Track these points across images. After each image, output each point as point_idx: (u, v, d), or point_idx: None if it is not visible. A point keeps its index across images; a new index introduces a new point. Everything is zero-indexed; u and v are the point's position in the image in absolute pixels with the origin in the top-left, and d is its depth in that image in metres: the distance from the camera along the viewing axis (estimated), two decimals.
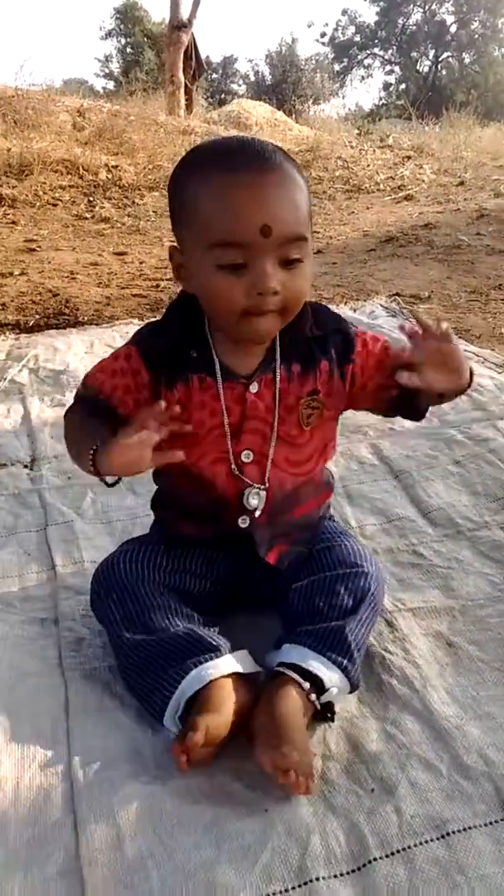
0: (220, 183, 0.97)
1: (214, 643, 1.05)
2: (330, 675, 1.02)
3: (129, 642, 1.07)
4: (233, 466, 1.13)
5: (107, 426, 1.03)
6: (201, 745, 0.94)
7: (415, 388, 1.05)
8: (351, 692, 1.07)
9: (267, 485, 1.14)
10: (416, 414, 1.19)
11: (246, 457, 1.13)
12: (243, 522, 1.15)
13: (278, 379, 1.11)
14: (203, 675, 1.01)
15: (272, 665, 1.06)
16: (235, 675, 1.03)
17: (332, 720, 1.04)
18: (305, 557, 1.19)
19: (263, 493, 1.14)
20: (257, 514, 1.15)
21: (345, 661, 1.04)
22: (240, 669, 1.04)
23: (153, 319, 1.18)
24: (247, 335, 1.05)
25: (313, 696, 1.01)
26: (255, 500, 1.14)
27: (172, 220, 1.07)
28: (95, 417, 1.08)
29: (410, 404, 1.15)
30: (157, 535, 1.25)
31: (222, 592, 1.21)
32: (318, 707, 1.02)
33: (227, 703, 0.99)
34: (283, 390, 1.12)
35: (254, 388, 1.11)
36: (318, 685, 1.02)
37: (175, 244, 1.07)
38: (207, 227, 0.97)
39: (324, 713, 1.04)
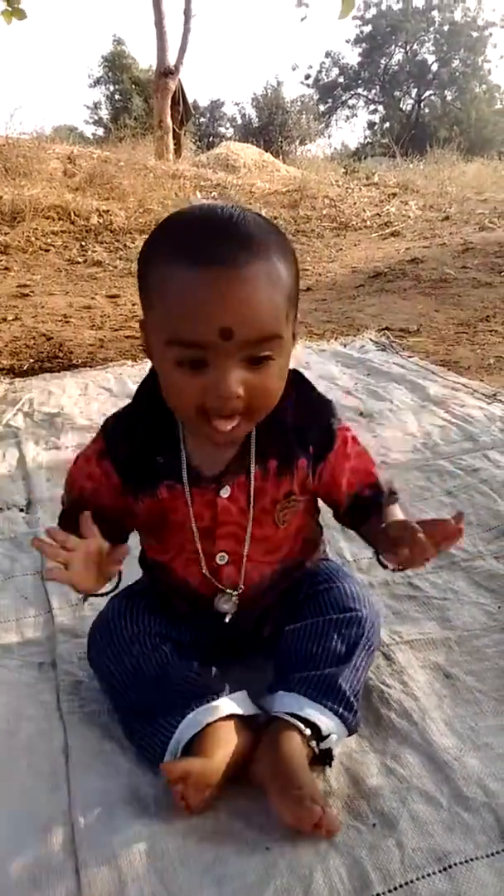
0: (179, 279, 0.87)
1: (211, 688, 1.05)
2: (328, 723, 1.01)
3: (127, 697, 1.07)
4: (203, 570, 1.11)
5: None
6: (189, 779, 0.93)
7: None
8: (349, 736, 1.06)
9: (241, 588, 1.12)
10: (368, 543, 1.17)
11: (221, 559, 1.11)
12: (228, 619, 1.14)
13: (252, 480, 1.06)
14: (199, 719, 1.00)
15: (269, 711, 1.05)
16: (234, 718, 1.02)
17: (330, 765, 1.03)
18: (300, 603, 1.17)
19: (236, 598, 1.12)
20: (228, 618, 1.13)
21: (341, 709, 1.03)
22: (237, 711, 1.03)
23: (121, 409, 1.14)
24: (207, 436, 0.97)
25: (313, 743, 1.00)
26: (226, 605, 1.12)
27: (140, 295, 0.98)
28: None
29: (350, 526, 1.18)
30: (148, 588, 1.22)
31: (217, 644, 1.19)
32: (317, 752, 1.01)
33: (223, 746, 0.98)
34: (258, 489, 1.07)
35: (225, 492, 1.06)
36: (317, 732, 1.01)
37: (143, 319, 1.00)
38: (167, 322, 0.90)
39: (322, 758, 1.02)
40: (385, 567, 1.09)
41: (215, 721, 1.00)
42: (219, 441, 0.97)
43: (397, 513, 1.11)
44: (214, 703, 1.03)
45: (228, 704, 1.04)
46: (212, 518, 1.08)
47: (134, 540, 1.37)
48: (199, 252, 0.87)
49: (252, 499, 1.07)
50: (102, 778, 1.03)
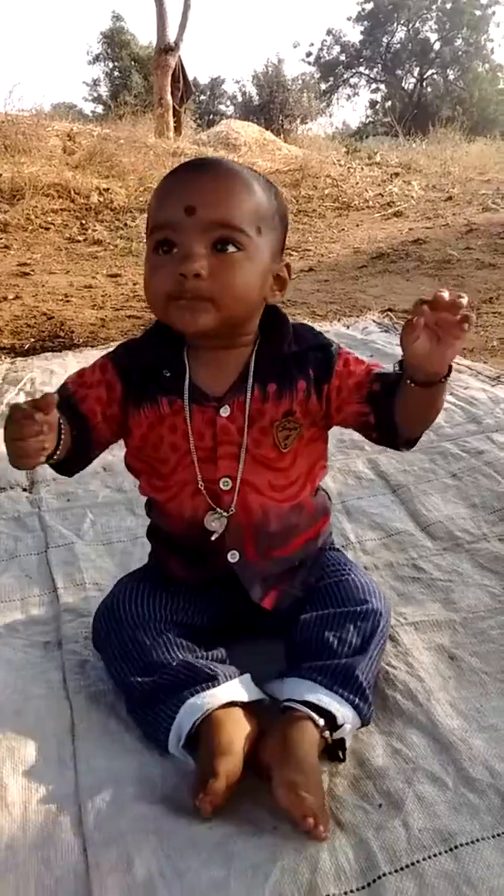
0: (163, 182, 1.06)
1: (211, 672, 1.04)
2: (343, 712, 1.00)
3: (131, 683, 1.07)
4: (200, 487, 1.12)
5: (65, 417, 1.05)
6: (223, 790, 0.92)
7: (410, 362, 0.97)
8: (362, 727, 1.06)
9: (233, 510, 1.12)
10: (393, 439, 1.13)
11: (224, 484, 1.11)
12: (233, 558, 1.14)
13: (249, 399, 1.09)
14: (199, 703, 1.00)
15: (278, 698, 1.05)
16: (239, 706, 1.02)
17: (343, 759, 1.02)
18: (311, 593, 1.17)
19: (225, 519, 1.12)
20: (214, 536, 1.12)
21: (356, 699, 1.02)
22: (239, 698, 1.03)
23: (131, 337, 1.21)
24: (176, 324, 1.04)
25: (327, 733, 0.99)
26: (214, 523, 1.12)
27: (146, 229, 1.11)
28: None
29: (386, 428, 1.10)
30: (152, 571, 1.24)
31: (223, 625, 1.20)
32: (330, 742, 1.00)
33: (236, 740, 0.97)
34: (256, 411, 1.10)
35: (224, 411, 1.09)
36: (331, 721, 1.00)
37: None
38: (148, 219, 1.06)
39: (334, 749, 1.01)
40: (409, 381, 1.01)
41: (218, 708, 1.00)
42: (188, 328, 1.04)
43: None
44: (216, 689, 1.02)
45: (231, 690, 1.03)
46: (212, 437, 1.10)
47: (141, 519, 1.36)
48: (179, 167, 1.07)
49: (248, 417, 1.09)
50: (109, 757, 1.03)
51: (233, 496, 1.12)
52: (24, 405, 0.95)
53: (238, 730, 0.99)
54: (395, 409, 1.07)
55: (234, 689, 1.04)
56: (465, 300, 0.93)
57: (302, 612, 1.14)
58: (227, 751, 0.95)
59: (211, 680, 1.03)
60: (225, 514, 1.12)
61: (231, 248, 1.00)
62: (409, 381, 1.01)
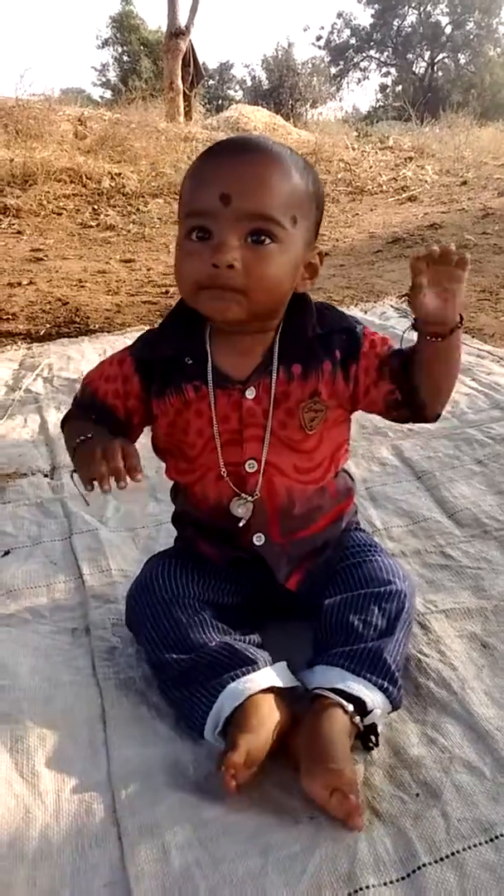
0: (198, 163, 1.02)
1: (251, 656, 1.03)
2: (372, 697, 0.99)
3: (166, 661, 1.06)
4: (223, 473, 1.11)
5: (104, 427, 1.09)
6: (242, 765, 0.92)
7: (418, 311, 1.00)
8: (392, 711, 1.05)
9: (258, 494, 1.11)
10: (422, 412, 1.12)
11: (250, 466, 1.11)
12: (258, 541, 1.13)
13: (274, 381, 1.08)
14: (240, 689, 0.99)
15: (307, 687, 1.04)
16: (274, 691, 1.01)
17: (377, 745, 1.01)
18: (333, 574, 1.16)
19: (251, 504, 1.11)
20: (241, 523, 1.12)
21: (385, 683, 1.01)
22: (277, 683, 1.02)
23: (151, 328, 1.18)
24: (204, 311, 1.04)
25: (357, 719, 0.98)
26: (240, 509, 1.11)
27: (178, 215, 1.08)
28: (94, 421, 1.12)
29: (413, 403, 1.10)
30: (182, 550, 1.24)
31: (254, 605, 1.19)
32: (362, 729, 0.99)
33: (266, 722, 0.96)
34: (282, 393, 1.09)
35: (250, 393, 1.09)
36: (361, 707, 0.99)
37: None
38: (182, 203, 1.03)
39: (367, 736, 1.00)
40: (427, 336, 1.04)
41: (256, 693, 0.99)
42: (217, 318, 1.05)
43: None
44: (255, 674, 1.01)
45: (269, 675, 1.02)
46: (238, 420, 1.10)
47: (164, 505, 1.34)
48: (220, 144, 1.03)
49: (273, 399, 1.08)
50: (141, 745, 1.03)
51: (258, 479, 1.11)
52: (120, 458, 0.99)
53: (271, 714, 0.98)
54: (416, 380, 1.08)
55: (273, 675, 1.03)
56: (453, 246, 0.97)
57: (326, 596, 1.13)
58: (253, 730, 0.95)
59: (251, 664, 1.02)
60: (250, 498, 1.11)
61: (266, 240, 0.98)
62: (427, 338, 1.03)
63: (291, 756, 0.96)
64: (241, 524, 1.12)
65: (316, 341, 1.10)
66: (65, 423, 1.19)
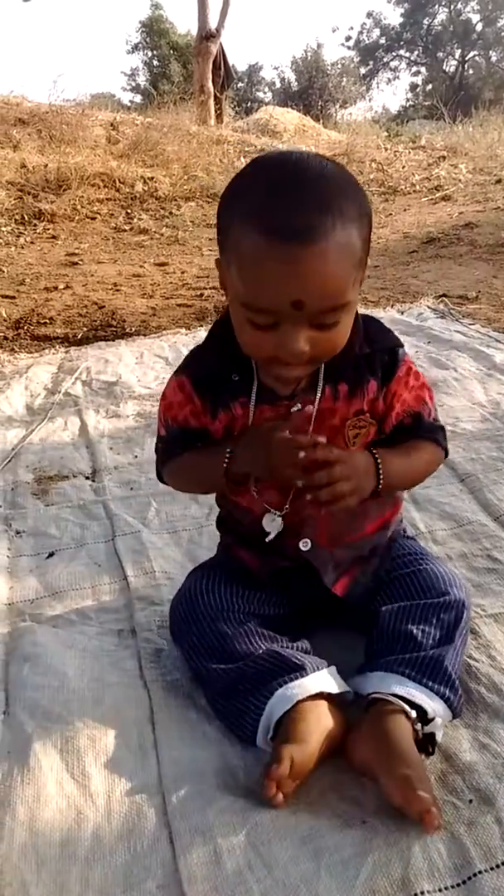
0: (255, 247, 0.88)
1: (298, 662, 1.03)
2: (433, 705, 0.99)
3: (213, 672, 1.06)
4: (253, 490, 1.11)
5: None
6: (287, 777, 0.91)
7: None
8: (453, 719, 1.04)
9: (288, 508, 1.10)
10: None
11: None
12: (304, 546, 1.13)
13: (318, 399, 1.07)
14: (289, 694, 0.99)
15: (363, 692, 1.03)
16: (324, 698, 1.00)
17: (433, 753, 1.00)
18: (388, 582, 1.15)
19: (280, 520, 1.11)
20: (270, 538, 1.11)
21: (446, 691, 1.00)
22: (327, 689, 1.01)
23: (198, 345, 1.17)
24: (275, 376, 1.05)
25: (419, 726, 0.97)
26: (272, 524, 1.11)
27: (218, 236, 0.99)
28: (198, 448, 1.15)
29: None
30: (224, 563, 1.23)
31: (301, 615, 1.19)
32: (421, 736, 0.98)
33: (314, 730, 0.96)
34: (327, 410, 1.08)
35: (295, 408, 1.08)
36: (421, 714, 0.98)
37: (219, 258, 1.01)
38: (241, 287, 0.92)
39: (424, 743, 0.99)
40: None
41: (305, 699, 0.98)
42: (288, 382, 1.05)
43: (420, 451, 1.13)
44: (304, 679, 1.01)
45: (318, 680, 1.02)
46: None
47: (205, 508, 1.34)
48: (274, 221, 0.87)
49: (314, 415, 1.07)
50: (190, 747, 1.03)
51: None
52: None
53: (320, 722, 0.97)
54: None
55: (323, 679, 1.02)
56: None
57: (379, 604, 1.13)
58: (298, 739, 0.94)
59: (298, 670, 1.02)
60: (279, 515, 1.11)
61: (335, 324, 0.94)
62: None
63: (353, 761, 0.96)
64: (267, 539, 1.11)
65: (362, 360, 1.08)
66: (166, 467, 1.21)
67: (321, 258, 0.87)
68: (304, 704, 0.98)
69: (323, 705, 0.99)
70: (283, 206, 0.87)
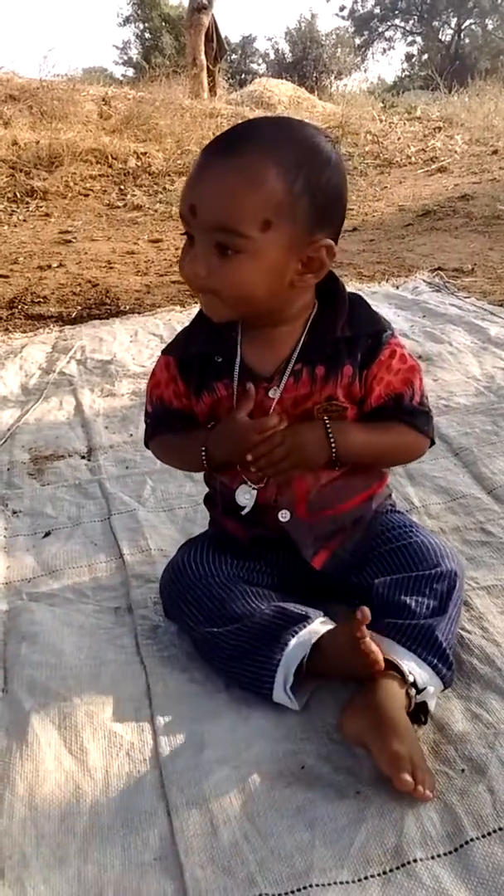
0: (194, 164, 1.00)
1: (302, 612, 1.06)
2: (421, 674, 1.00)
3: (216, 634, 1.07)
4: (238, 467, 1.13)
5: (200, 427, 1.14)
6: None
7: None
8: (443, 690, 1.05)
9: (262, 484, 1.12)
10: None
11: None
12: (283, 517, 1.14)
13: (284, 381, 1.08)
14: (303, 641, 1.01)
15: None
16: None
17: (426, 722, 1.01)
18: (378, 557, 1.16)
19: (254, 493, 1.12)
20: (245, 511, 1.13)
21: (436, 661, 1.02)
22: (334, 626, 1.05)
23: (185, 326, 1.20)
24: (204, 311, 1.08)
25: (412, 692, 0.99)
26: (246, 496, 1.12)
27: None
28: (180, 429, 1.17)
29: None
30: (213, 536, 1.25)
31: (289, 586, 1.19)
32: (412, 707, 0.99)
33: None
34: (303, 393, 1.09)
35: (273, 393, 1.09)
36: (414, 683, 0.99)
37: None
38: None
39: (416, 713, 1.00)
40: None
41: (322, 636, 1.02)
42: (210, 317, 1.06)
43: (390, 431, 1.13)
44: (312, 625, 1.04)
45: (326, 623, 1.05)
46: (263, 416, 1.09)
47: (200, 486, 1.36)
48: (205, 149, 0.99)
49: (281, 395, 1.08)
50: (187, 721, 1.04)
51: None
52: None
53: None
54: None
55: (329, 622, 1.06)
56: None
57: (371, 577, 1.14)
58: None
59: (304, 619, 1.04)
60: (254, 488, 1.12)
61: (229, 251, 0.96)
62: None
63: (346, 733, 0.97)
64: (243, 513, 1.13)
65: (342, 342, 1.09)
66: (152, 442, 1.25)
67: (220, 170, 0.95)
68: (322, 639, 1.02)
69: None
70: (228, 132, 1.00)
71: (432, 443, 1.18)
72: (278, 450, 1.03)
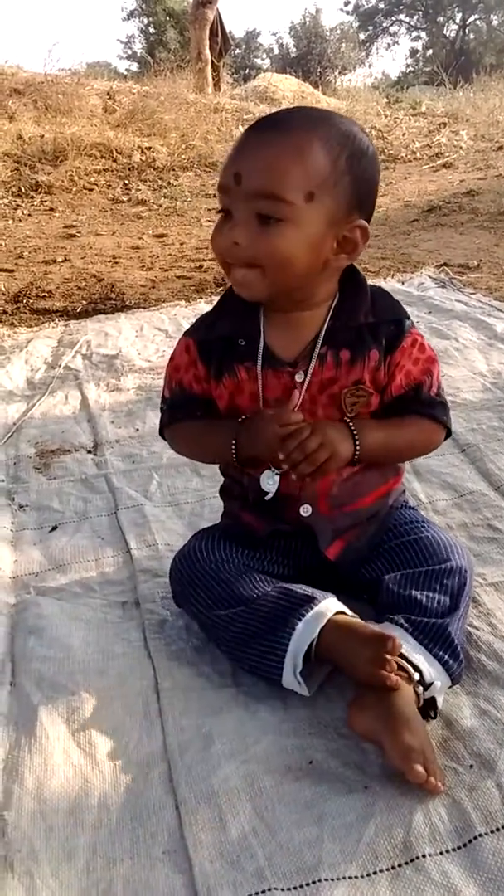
0: (237, 139, 1.03)
1: (308, 593, 1.06)
2: (429, 669, 1.00)
3: (224, 618, 1.08)
4: None
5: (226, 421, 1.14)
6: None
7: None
8: (452, 686, 1.05)
9: (285, 467, 1.10)
10: None
11: None
12: (305, 512, 1.14)
13: (313, 365, 1.09)
14: (311, 625, 1.01)
15: None
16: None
17: (435, 717, 1.01)
18: (388, 551, 1.16)
19: (277, 477, 1.11)
20: (269, 496, 1.12)
21: (446, 657, 1.02)
22: (342, 608, 1.05)
23: (208, 311, 1.20)
24: (234, 287, 1.08)
25: (420, 689, 0.99)
26: (269, 481, 1.12)
27: None
28: (200, 417, 1.18)
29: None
30: (226, 527, 1.25)
31: (300, 578, 1.19)
32: (422, 702, 0.99)
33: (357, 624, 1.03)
34: (329, 378, 1.09)
35: (299, 377, 1.09)
36: (422, 679, 0.99)
37: None
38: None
39: (425, 708, 1.00)
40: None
41: (332, 617, 1.02)
42: (242, 293, 1.06)
43: (409, 425, 1.14)
44: (319, 607, 1.04)
45: (333, 603, 1.05)
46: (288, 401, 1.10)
47: (206, 481, 1.35)
48: (252, 125, 1.02)
49: (308, 381, 1.09)
50: (195, 715, 1.04)
51: None
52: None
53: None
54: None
55: (335, 602, 1.06)
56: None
57: (381, 572, 1.14)
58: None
59: (310, 601, 1.04)
60: (278, 472, 1.11)
61: (272, 219, 0.98)
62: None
63: (356, 727, 0.97)
64: (266, 498, 1.13)
65: (366, 328, 1.09)
66: (168, 429, 1.23)
67: (266, 142, 0.98)
68: (330, 622, 1.02)
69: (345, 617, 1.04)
70: (274, 113, 1.05)
71: (449, 433, 1.19)
72: (311, 441, 1.03)
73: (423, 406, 1.13)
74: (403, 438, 1.15)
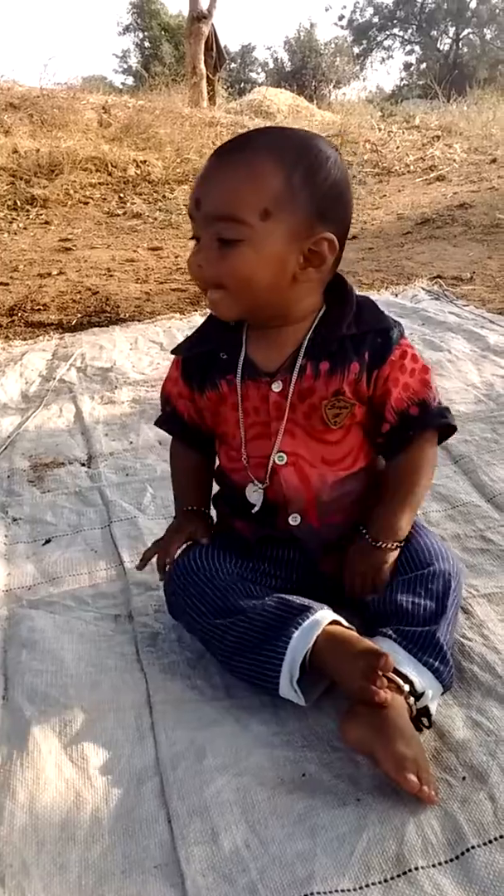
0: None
1: (304, 603, 1.05)
2: (420, 679, 1.00)
3: (220, 626, 1.07)
4: (245, 462, 1.15)
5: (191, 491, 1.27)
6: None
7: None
8: (444, 693, 1.05)
9: (267, 483, 1.13)
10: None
11: (279, 459, 1.12)
12: (294, 521, 1.14)
13: (297, 376, 1.09)
14: (307, 635, 1.01)
15: None
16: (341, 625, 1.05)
17: (429, 727, 1.01)
18: None
19: (261, 491, 1.13)
20: (255, 508, 1.14)
21: (436, 664, 1.02)
22: (337, 618, 1.05)
23: (196, 329, 1.23)
24: (210, 309, 1.11)
25: (411, 700, 0.99)
26: (254, 495, 1.13)
27: None
28: (186, 441, 1.26)
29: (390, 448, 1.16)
30: (220, 537, 1.24)
31: (295, 586, 1.19)
32: (415, 712, 0.99)
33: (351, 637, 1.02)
34: (307, 389, 1.09)
35: (276, 386, 1.10)
36: (413, 689, 0.99)
37: None
38: None
39: (418, 718, 1.00)
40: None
41: (327, 626, 1.02)
42: (217, 314, 1.10)
43: (424, 455, 1.15)
44: (315, 615, 1.03)
45: (328, 613, 1.05)
46: (266, 412, 1.12)
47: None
48: (220, 145, 1.05)
49: (291, 393, 1.09)
50: (187, 728, 1.04)
51: (290, 473, 1.13)
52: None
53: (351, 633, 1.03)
54: (392, 464, 1.18)
55: (330, 612, 1.06)
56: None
57: None
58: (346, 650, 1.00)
59: (306, 610, 1.04)
60: (261, 486, 1.13)
61: (232, 241, 0.99)
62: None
63: (348, 739, 0.96)
64: (253, 511, 1.15)
65: (348, 340, 1.09)
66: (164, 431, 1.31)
67: (223, 166, 1.00)
68: (325, 631, 1.02)
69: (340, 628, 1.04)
70: (237, 136, 1.06)
71: (454, 430, 1.18)
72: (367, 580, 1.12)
73: (434, 418, 1.13)
74: (420, 491, 1.17)
